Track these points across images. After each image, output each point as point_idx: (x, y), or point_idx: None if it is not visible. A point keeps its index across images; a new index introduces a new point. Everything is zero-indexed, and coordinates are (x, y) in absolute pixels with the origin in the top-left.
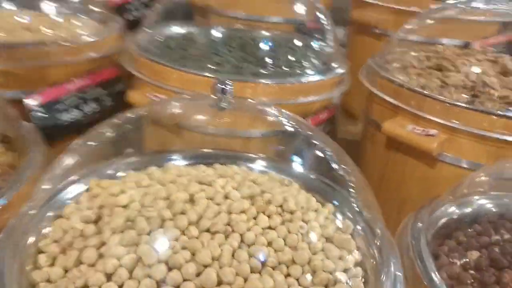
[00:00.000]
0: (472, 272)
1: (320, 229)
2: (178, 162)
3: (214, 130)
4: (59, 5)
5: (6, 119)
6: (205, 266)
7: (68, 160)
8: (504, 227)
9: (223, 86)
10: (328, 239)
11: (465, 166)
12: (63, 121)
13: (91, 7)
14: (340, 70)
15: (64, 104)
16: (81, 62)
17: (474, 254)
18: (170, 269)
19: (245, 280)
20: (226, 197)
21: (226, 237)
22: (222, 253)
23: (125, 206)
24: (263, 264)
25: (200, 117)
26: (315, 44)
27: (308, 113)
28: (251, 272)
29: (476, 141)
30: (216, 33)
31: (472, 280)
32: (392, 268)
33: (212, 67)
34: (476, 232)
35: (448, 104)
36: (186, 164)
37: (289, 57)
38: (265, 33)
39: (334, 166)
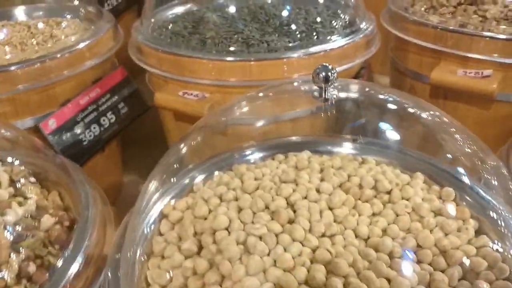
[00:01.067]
0: None
1: (426, 203)
2: (239, 161)
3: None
4: (32, 10)
5: (33, 154)
6: (345, 277)
7: (147, 192)
8: None
9: (328, 73)
10: (436, 213)
11: None
12: (85, 140)
13: (70, 4)
14: (370, 26)
15: (81, 121)
16: (84, 71)
17: None
18: None
19: (388, 281)
20: (318, 191)
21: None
22: (354, 258)
23: (226, 229)
24: (392, 258)
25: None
26: None
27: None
28: (389, 270)
29: None
30: (219, 7)
31: None
32: None
33: (238, 48)
34: None
35: (500, 40)
36: (249, 162)
37: (308, 18)
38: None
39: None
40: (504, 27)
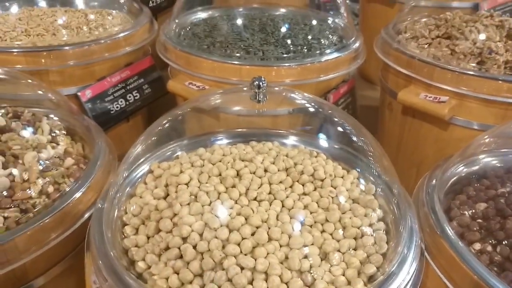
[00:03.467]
0: (479, 220)
1: (347, 192)
2: (220, 142)
3: (249, 112)
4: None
5: (69, 114)
6: (257, 227)
7: (136, 149)
8: (510, 180)
9: (259, 83)
10: (355, 200)
11: (475, 127)
12: (112, 110)
13: None
14: (355, 45)
15: (111, 95)
16: (120, 56)
17: (482, 206)
18: (230, 231)
19: (289, 237)
20: (266, 170)
21: (270, 203)
22: (269, 216)
23: (187, 184)
24: (302, 223)
25: (241, 106)
26: (330, 19)
27: (329, 88)
28: (293, 230)
29: (484, 105)
30: (237, 16)
31: (479, 227)
32: (409, 221)
33: (238, 54)
34: (484, 187)
35: (456, 73)
36: (228, 143)
37: (307, 35)
38: (282, 10)
39: (355, 138)
40: (470, 62)
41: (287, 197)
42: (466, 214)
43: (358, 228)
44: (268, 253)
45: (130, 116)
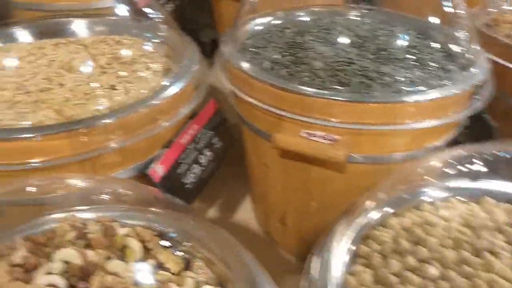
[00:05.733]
0: None
1: None
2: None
3: None
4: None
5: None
6: None
7: None
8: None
9: None
10: None
11: None
12: (187, 183)
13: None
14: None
15: (184, 163)
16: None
17: None
18: None
19: None
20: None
21: None
22: None
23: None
24: None
25: None
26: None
27: None
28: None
29: None
30: (305, 27)
31: None
32: None
33: (360, 85)
34: None
35: None
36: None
37: (422, 54)
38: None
39: None
40: None
41: None
42: None
43: None
44: None
45: (206, 184)
